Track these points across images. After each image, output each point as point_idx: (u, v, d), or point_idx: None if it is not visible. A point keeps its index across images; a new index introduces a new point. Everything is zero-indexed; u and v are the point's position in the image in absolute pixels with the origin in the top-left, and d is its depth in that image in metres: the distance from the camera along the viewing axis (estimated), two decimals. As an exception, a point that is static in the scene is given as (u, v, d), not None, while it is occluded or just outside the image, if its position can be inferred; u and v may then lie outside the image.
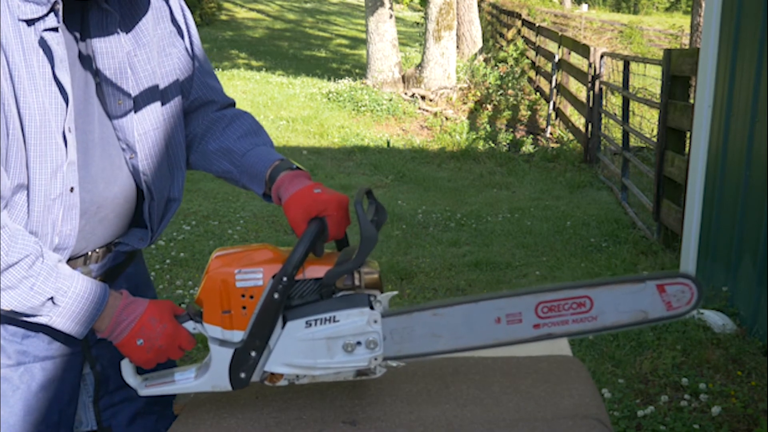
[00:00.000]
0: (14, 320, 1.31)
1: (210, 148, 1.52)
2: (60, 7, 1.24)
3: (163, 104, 1.43)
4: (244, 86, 12.54)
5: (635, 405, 3.03)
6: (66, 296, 1.26)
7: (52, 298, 1.25)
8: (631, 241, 5.49)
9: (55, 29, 1.25)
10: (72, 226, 1.32)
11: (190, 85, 1.51)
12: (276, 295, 1.28)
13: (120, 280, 1.48)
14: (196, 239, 5.52)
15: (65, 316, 1.27)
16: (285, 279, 1.28)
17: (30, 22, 1.22)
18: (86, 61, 1.33)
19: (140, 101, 1.38)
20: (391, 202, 6.77)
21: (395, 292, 1.41)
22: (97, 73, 1.33)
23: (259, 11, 25.00)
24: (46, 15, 1.23)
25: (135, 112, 1.37)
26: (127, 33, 1.36)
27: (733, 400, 3.01)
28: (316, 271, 1.31)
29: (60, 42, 1.25)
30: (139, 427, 1.51)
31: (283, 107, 11.13)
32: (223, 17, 23.19)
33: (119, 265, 1.48)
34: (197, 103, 1.54)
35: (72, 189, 1.30)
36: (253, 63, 16.22)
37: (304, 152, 8.92)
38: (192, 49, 1.49)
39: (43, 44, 1.24)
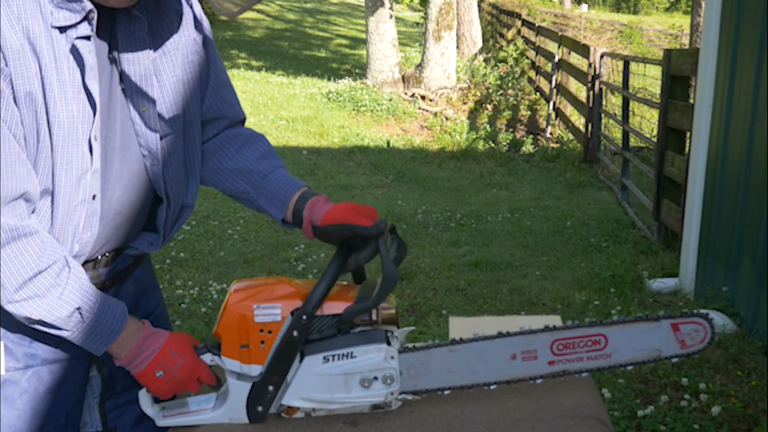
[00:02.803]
0: (22, 324, 1.30)
1: (226, 167, 1.52)
2: (95, 15, 1.23)
3: (185, 111, 1.42)
4: (244, 86, 12.54)
5: (635, 405, 3.03)
6: (91, 313, 1.27)
7: (79, 308, 1.25)
8: (631, 241, 5.49)
9: (88, 38, 1.24)
10: (92, 233, 1.32)
11: (204, 93, 1.50)
12: (295, 333, 1.30)
13: (128, 282, 1.49)
14: (196, 239, 5.53)
15: (86, 333, 1.28)
16: (305, 317, 1.29)
17: (62, 30, 1.22)
18: (112, 67, 1.32)
19: (164, 108, 1.37)
20: (391, 202, 6.77)
21: (412, 328, 1.44)
22: (122, 80, 1.33)
23: (259, 11, 24.99)
24: (79, 23, 1.22)
25: (158, 119, 1.37)
26: (153, 39, 1.35)
27: (733, 400, 3.02)
28: (334, 307, 1.32)
29: (91, 50, 1.25)
30: (144, 428, 1.51)
31: (283, 107, 11.13)
32: (223, 17, 23.14)
33: (127, 267, 1.48)
34: (208, 114, 1.52)
35: (94, 197, 1.30)
36: (253, 63, 16.21)
37: (304, 152, 8.92)
38: (208, 58, 1.49)
39: (75, 52, 1.23)
